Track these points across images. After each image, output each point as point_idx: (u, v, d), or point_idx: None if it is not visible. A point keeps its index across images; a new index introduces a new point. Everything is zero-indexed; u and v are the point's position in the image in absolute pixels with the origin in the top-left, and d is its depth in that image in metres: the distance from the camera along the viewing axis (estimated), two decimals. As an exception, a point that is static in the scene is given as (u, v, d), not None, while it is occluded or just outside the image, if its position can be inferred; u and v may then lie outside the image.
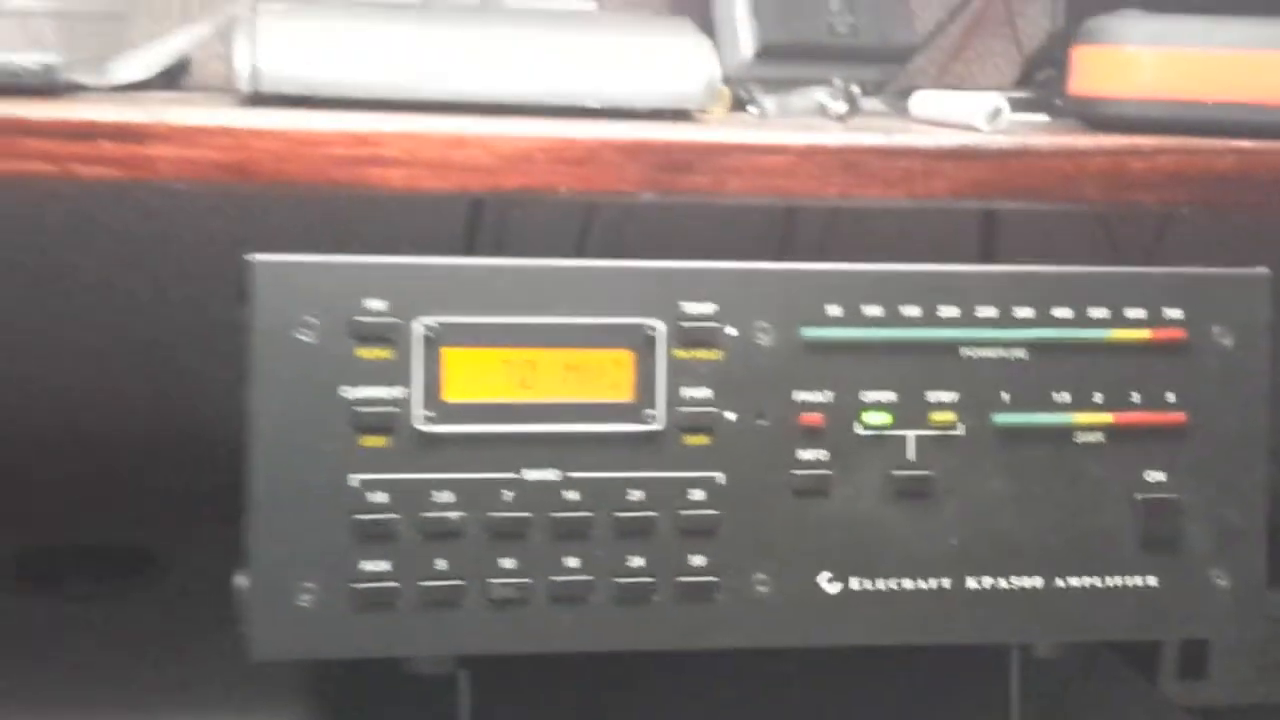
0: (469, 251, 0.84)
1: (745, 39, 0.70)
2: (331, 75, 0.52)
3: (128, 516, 0.79)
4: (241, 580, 0.50)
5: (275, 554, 0.50)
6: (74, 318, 0.84)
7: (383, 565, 0.50)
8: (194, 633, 0.67)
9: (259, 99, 0.52)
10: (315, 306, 0.49)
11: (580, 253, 0.84)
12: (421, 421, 0.50)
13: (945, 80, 0.89)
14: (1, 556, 0.74)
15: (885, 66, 0.74)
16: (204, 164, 0.47)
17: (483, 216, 0.85)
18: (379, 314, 0.50)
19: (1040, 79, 0.78)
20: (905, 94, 0.69)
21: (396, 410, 0.50)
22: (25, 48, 0.66)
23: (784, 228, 0.87)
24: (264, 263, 0.49)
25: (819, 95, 0.61)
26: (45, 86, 0.52)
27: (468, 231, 0.86)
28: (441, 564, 0.50)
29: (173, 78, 0.65)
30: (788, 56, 0.70)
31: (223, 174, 0.47)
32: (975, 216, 0.88)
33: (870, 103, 0.68)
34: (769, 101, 0.62)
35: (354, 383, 0.50)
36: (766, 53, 0.70)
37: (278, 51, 0.51)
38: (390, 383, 0.50)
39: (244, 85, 0.52)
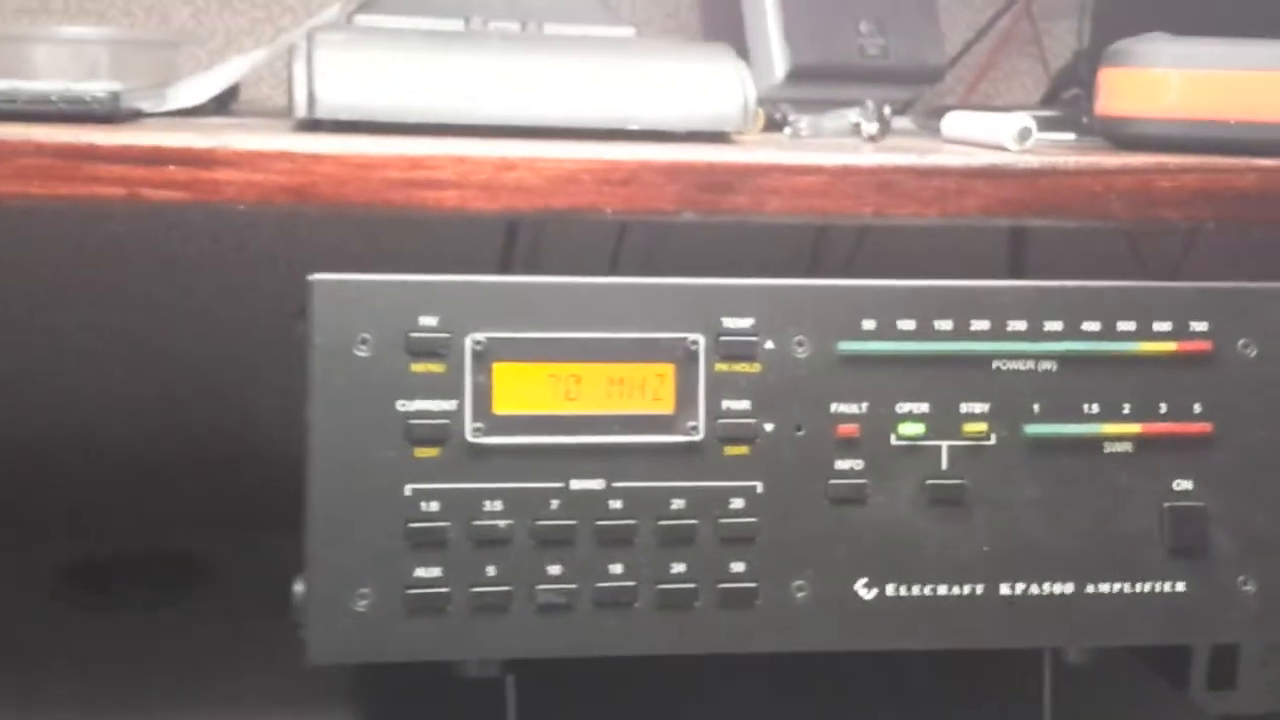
0: (505, 269, 0.86)
1: (778, 61, 0.72)
2: (385, 101, 0.54)
3: (176, 527, 0.81)
4: (300, 586, 0.52)
5: (333, 561, 0.52)
6: (123, 334, 0.86)
7: (435, 572, 0.52)
8: (242, 638, 0.69)
9: (316, 124, 0.54)
10: (371, 323, 0.51)
11: (613, 270, 0.86)
12: (472, 433, 0.52)
13: (972, 99, 0.90)
14: (54, 566, 0.76)
15: (914, 86, 0.76)
16: (266, 187, 0.49)
17: (518, 236, 0.87)
18: (432, 330, 0.52)
19: (1067, 98, 0.80)
20: (935, 113, 0.71)
21: (448, 422, 0.52)
22: (81, 74, 0.68)
23: (815, 244, 0.89)
24: (323, 281, 0.51)
25: (851, 116, 0.63)
26: (110, 113, 0.55)
27: (504, 250, 0.88)
28: (491, 570, 0.52)
29: (223, 103, 0.67)
30: (819, 78, 0.72)
31: (284, 197, 0.50)
32: (1004, 233, 0.89)
33: (901, 122, 0.70)
34: (803, 122, 0.64)
35: (408, 396, 0.52)
36: (798, 74, 0.72)
37: (334, 79, 0.54)
38: (442, 396, 0.52)
39: (302, 111, 0.54)
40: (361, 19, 0.61)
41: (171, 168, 0.49)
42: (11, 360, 0.85)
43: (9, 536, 0.79)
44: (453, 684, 0.55)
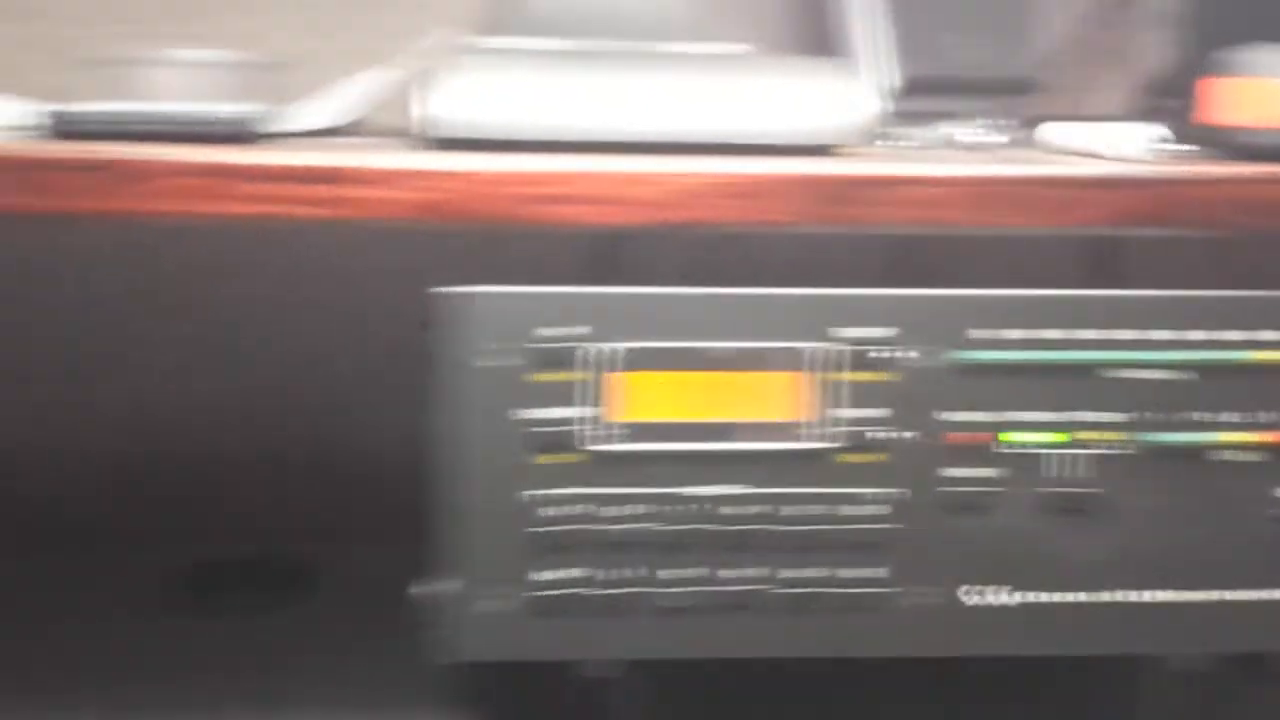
0: (590, 280, 0.87)
1: (884, 75, 0.73)
2: (508, 119, 0.55)
3: (286, 534, 0.83)
4: (428, 588, 0.54)
5: (461, 563, 0.53)
6: (245, 345, 0.88)
7: (561, 574, 0.53)
8: (351, 642, 0.71)
9: (441, 143, 0.56)
10: (496, 333, 0.53)
11: (690, 280, 0.87)
12: (595, 440, 0.53)
13: (1056, 109, 0.91)
14: (168, 571, 0.78)
15: (1009, 98, 0.77)
16: (402, 204, 0.51)
17: (608, 246, 0.88)
18: (555, 340, 0.53)
19: (1159, 108, 0.80)
20: (1027, 123, 0.71)
21: (572, 429, 0.53)
22: (201, 97, 0.71)
23: (898, 252, 0.89)
24: (449, 294, 0.53)
25: (959, 127, 0.64)
26: (245, 134, 0.57)
27: (594, 259, 0.89)
28: (616, 574, 0.54)
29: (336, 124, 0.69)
30: (922, 91, 0.73)
31: (418, 213, 0.51)
32: (1076, 242, 0.89)
33: (997, 134, 0.71)
34: (909, 135, 0.65)
35: (532, 404, 0.53)
36: (904, 88, 0.73)
37: (460, 99, 0.55)
38: (567, 404, 0.53)
39: (428, 130, 0.56)
40: (479, 41, 0.62)
41: (314, 185, 0.51)
42: (134, 368, 0.88)
43: (122, 542, 0.81)
44: (568, 685, 0.56)
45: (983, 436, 0.55)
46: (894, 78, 0.72)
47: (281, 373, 0.88)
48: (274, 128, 0.61)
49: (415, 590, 0.54)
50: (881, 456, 0.54)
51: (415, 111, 0.56)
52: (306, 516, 0.85)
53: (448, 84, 0.56)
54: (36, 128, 0.58)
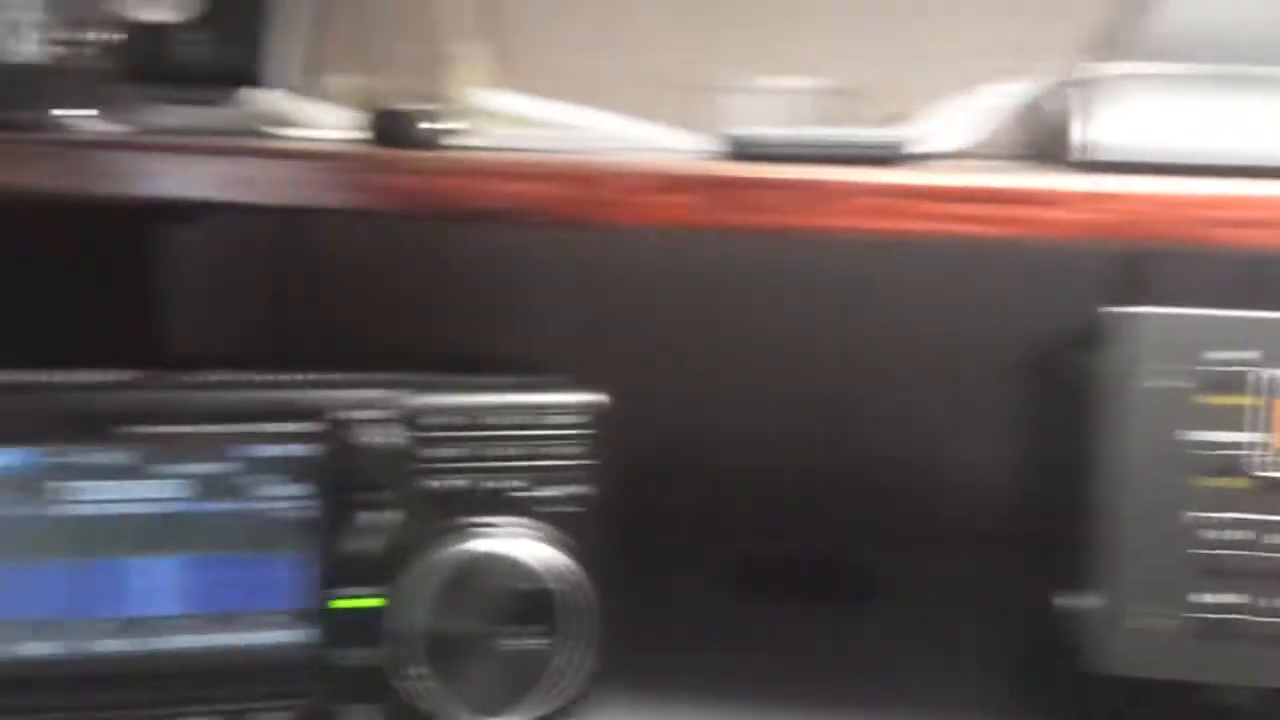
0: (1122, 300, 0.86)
1: None
2: (1179, 144, 0.56)
3: (852, 538, 0.86)
4: (1079, 600, 0.55)
5: (1116, 579, 0.54)
6: (834, 355, 0.92)
7: (1220, 598, 0.53)
8: (907, 644, 0.73)
9: (1099, 165, 0.57)
10: (1162, 354, 0.54)
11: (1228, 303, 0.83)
12: (1264, 466, 0.53)
13: None
14: (738, 559, 0.83)
15: None
16: (1078, 225, 0.52)
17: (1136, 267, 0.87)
18: (1228, 364, 0.53)
19: None
20: None
21: (1241, 454, 0.53)
22: (785, 120, 0.75)
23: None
24: (1118, 313, 0.54)
25: None
26: (895, 157, 0.60)
27: (1122, 283, 0.88)
28: (1276, 602, 0.53)
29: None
30: None
31: (1095, 233, 0.53)
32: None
33: None
34: None
35: (1199, 427, 0.53)
36: None
37: (1128, 123, 0.57)
38: (1235, 428, 0.53)
39: (1090, 154, 0.57)
40: (1116, 67, 0.63)
41: (988, 205, 0.53)
42: (733, 377, 0.93)
43: (704, 529, 0.86)
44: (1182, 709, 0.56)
45: None
46: None
47: (886, 387, 0.91)
48: (919, 149, 0.64)
49: (1059, 601, 0.55)
50: None
51: (1073, 132, 0.58)
52: (877, 524, 0.87)
53: (1114, 109, 0.57)
54: (707, 150, 0.64)
